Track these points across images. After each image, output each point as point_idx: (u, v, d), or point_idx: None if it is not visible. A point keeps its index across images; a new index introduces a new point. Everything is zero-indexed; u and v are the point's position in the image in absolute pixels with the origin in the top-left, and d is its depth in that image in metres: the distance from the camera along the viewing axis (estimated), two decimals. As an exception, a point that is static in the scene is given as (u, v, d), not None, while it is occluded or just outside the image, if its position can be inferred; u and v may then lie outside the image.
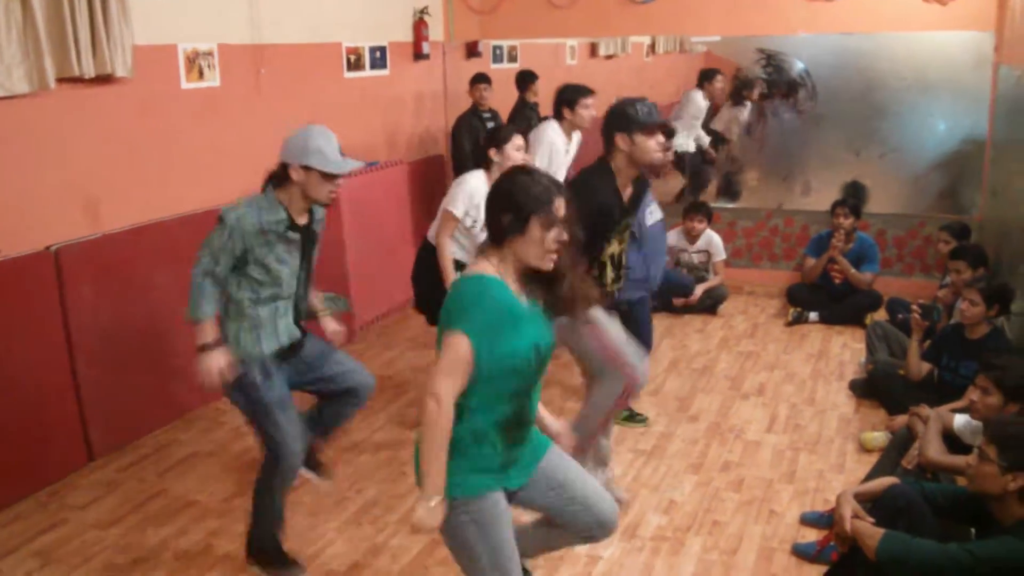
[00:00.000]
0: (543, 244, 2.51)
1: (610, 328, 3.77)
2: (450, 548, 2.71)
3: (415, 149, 7.70)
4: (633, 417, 5.07)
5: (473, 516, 2.60)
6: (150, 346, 4.94)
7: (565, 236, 2.53)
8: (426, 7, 7.50)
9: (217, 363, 3.29)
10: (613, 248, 3.96)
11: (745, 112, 7.86)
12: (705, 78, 7.88)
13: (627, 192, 3.93)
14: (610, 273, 4.03)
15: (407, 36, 7.45)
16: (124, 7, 4.59)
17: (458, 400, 2.50)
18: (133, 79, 4.77)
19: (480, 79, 7.36)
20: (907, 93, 7.17)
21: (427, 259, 4.78)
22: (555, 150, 5.49)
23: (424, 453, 2.50)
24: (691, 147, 7.98)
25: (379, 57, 7.06)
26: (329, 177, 3.28)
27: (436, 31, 7.78)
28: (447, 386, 2.46)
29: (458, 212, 4.58)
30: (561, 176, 5.44)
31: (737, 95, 7.86)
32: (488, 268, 2.55)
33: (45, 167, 4.46)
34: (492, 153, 4.60)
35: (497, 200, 2.56)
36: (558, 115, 5.46)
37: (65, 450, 4.55)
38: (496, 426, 2.60)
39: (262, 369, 3.41)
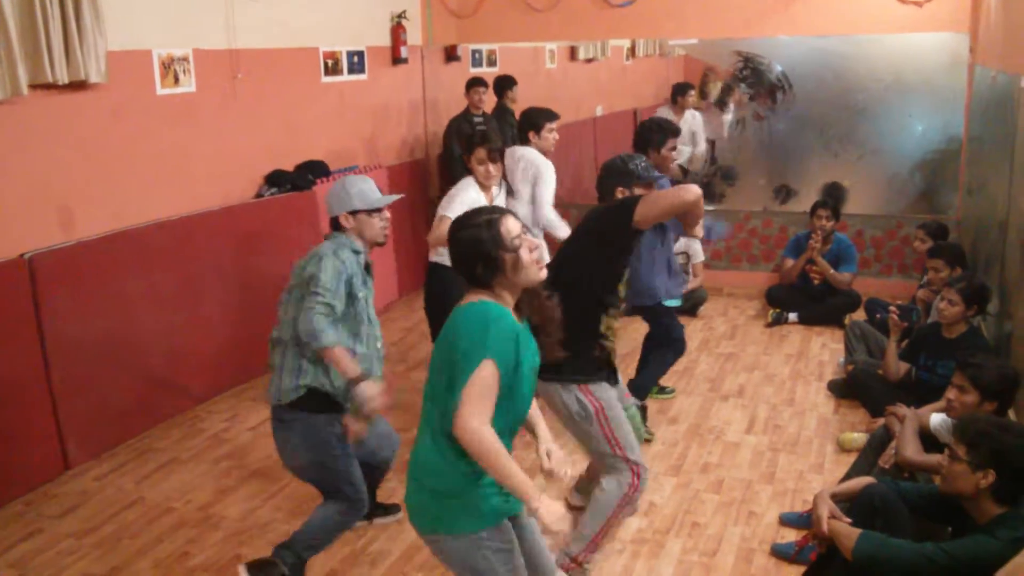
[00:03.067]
0: (525, 266, 2.52)
1: (618, 411, 3.59)
2: None
3: (395, 153, 7.68)
4: (662, 390, 5.44)
5: (499, 545, 2.58)
6: (126, 353, 4.91)
7: (535, 241, 2.57)
8: (404, 11, 7.49)
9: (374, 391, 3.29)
10: (611, 322, 3.70)
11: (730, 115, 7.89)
12: (679, 92, 7.91)
13: None
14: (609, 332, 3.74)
15: (385, 40, 7.44)
16: (97, 13, 4.57)
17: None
18: (107, 85, 4.74)
19: (477, 83, 7.40)
20: (884, 94, 7.22)
21: (437, 281, 4.78)
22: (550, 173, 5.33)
23: (498, 476, 2.43)
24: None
25: (357, 62, 7.04)
26: (376, 212, 3.44)
27: (414, 35, 7.77)
28: (482, 413, 2.40)
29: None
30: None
31: (721, 102, 7.90)
32: (486, 296, 2.54)
33: (18, 174, 4.42)
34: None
35: (461, 257, 2.56)
36: (524, 139, 5.37)
37: (40, 459, 4.51)
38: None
39: (341, 424, 3.43)
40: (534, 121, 5.31)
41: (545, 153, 5.37)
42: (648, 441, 4.82)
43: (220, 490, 4.45)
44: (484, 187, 4.68)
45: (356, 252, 3.43)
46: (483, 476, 2.50)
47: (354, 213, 3.41)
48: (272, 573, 3.44)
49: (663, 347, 5.10)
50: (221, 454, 4.82)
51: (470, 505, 2.54)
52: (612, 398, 3.57)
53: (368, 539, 3.97)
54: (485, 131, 5.00)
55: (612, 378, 3.65)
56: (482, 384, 2.41)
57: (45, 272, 4.45)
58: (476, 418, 2.39)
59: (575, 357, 3.40)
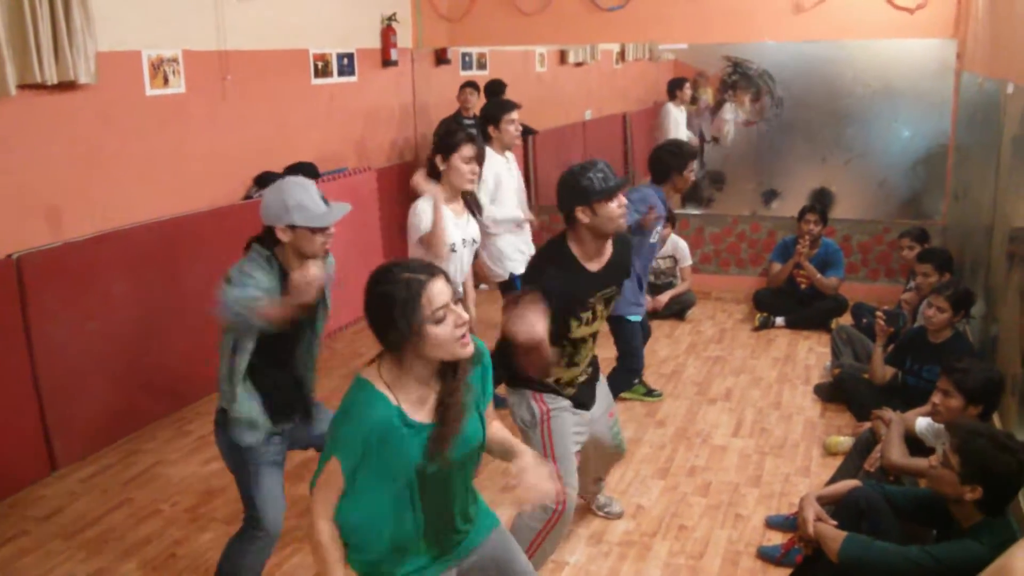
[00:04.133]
0: (440, 344, 2.22)
1: (566, 427, 3.44)
2: None
3: (384, 156, 7.68)
4: (650, 392, 5.50)
5: None
6: (113, 355, 4.90)
7: (463, 315, 2.24)
8: (394, 13, 7.50)
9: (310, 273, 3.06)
10: (583, 331, 3.39)
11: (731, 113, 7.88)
12: (675, 87, 7.93)
13: (603, 259, 3.40)
14: (583, 354, 3.48)
15: (375, 43, 7.44)
16: (87, 13, 4.55)
17: (357, 518, 2.32)
18: (96, 86, 4.73)
19: (467, 85, 7.45)
20: (872, 100, 7.25)
21: None
22: (499, 180, 5.10)
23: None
24: None
25: (347, 64, 7.05)
26: (319, 229, 3.07)
27: (404, 38, 7.78)
28: (325, 506, 2.30)
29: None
30: (513, 202, 5.21)
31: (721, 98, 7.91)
32: (378, 378, 2.28)
33: (6, 174, 4.41)
34: (439, 161, 4.13)
35: (372, 316, 2.27)
36: (485, 137, 5.02)
37: (27, 460, 4.49)
38: (412, 534, 2.39)
39: (263, 434, 3.25)
40: (491, 115, 5.06)
41: (507, 148, 5.15)
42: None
43: (207, 492, 4.44)
44: (454, 195, 4.21)
45: (270, 266, 3.11)
46: (392, 556, 2.38)
47: (293, 227, 3.04)
48: None
49: (619, 360, 5.00)
50: (208, 456, 4.80)
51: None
52: (565, 414, 3.43)
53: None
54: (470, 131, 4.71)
55: (580, 403, 3.50)
56: (327, 478, 2.29)
57: (33, 273, 4.44)
58: (317, 508, 2.30)
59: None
